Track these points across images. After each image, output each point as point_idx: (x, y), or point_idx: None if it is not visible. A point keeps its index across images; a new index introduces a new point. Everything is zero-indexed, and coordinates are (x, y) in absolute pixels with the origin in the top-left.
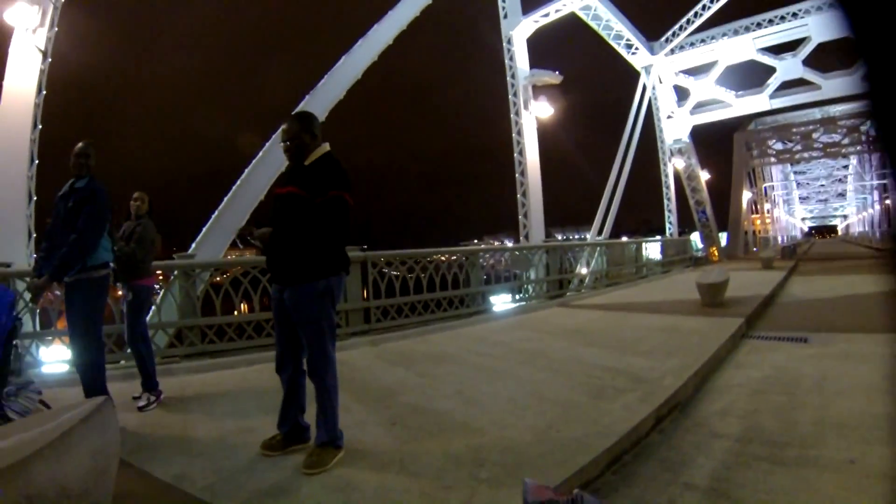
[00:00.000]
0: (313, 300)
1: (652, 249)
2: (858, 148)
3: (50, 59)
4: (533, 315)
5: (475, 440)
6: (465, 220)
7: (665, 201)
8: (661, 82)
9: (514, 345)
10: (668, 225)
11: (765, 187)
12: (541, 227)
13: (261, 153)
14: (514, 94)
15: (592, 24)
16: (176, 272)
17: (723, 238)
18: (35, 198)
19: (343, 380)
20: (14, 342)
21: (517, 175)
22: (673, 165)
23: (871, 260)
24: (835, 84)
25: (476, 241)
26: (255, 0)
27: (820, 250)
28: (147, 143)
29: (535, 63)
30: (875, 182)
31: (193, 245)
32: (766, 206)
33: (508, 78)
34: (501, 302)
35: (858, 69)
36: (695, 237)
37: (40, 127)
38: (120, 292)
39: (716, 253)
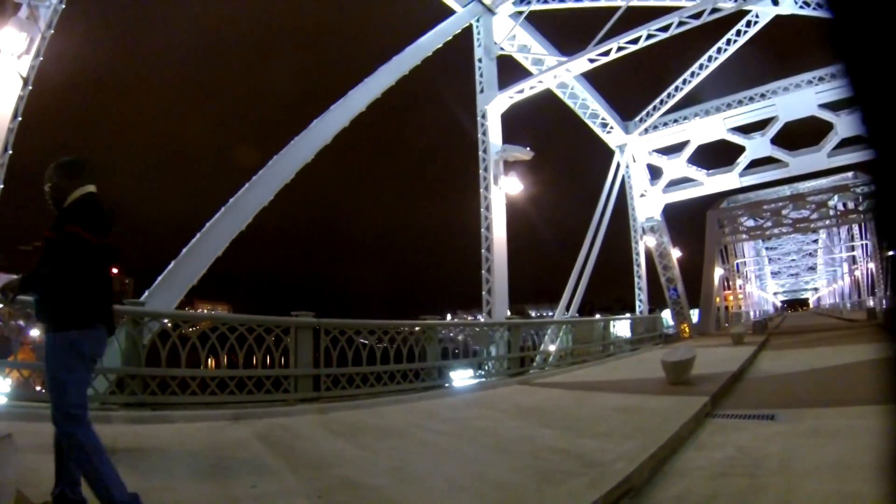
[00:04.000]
0: (54, 351)
1: (621, 327)
2: (827, 222)
3: (31, 87)
4: (491, 392)
5: None
6: (441, 293)
7: (636, 279)
8: (634, 161)
9: (466, 422)
10: (638, 302)
11: (737, 263)
12: (505, 304)
13: (231, 200)
14: (485, 169)
15: (569, 103)
16: (125, 318)
17: (694, 315)
18: None
19: (282, 447)
20: None
21: (483, 251)
22: (644, 243)
23: (843, 331)
24: (801, 161)
25: (449, 314)
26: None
27: (792, 323)
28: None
29: (510, 139)
30: (844, 255)
31: (147, 293)
32: (739, 281)
33: (480, 153)
34: (462, 378)
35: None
36: (666, 314)
37: (10, 152)
38: None
39: (687, 330)
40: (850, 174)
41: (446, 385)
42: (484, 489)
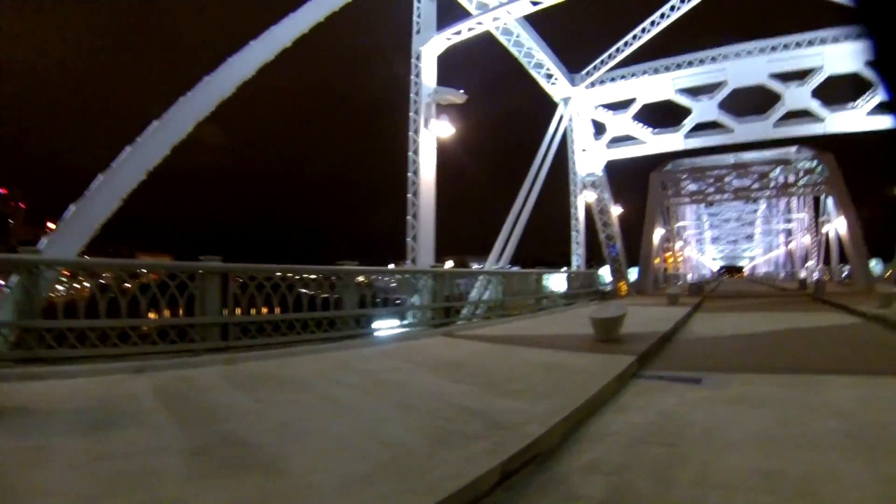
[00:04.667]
0: None
1: (557, 281)
2: (767, 193)
3: None
4: (412, 343)
5: (270, 484)
6: (386, 242)
7: (573, 233)
8: (578, 115)
9: (377, 375)
10: (574, 257)
11: (678, 226)
12: (430, 251)
13: (138, 139)
14: (416, 112)
15: (513, 51)
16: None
17: (634, 273)
18: None
19: (176, 400)
20: None
21: (409, 195)
22: (584, 198)
23: (775, 298)
24: (746, 128)
25: (392, 263)
26: None
27: (727, 288)
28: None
29: (453, 85)
30: (781, 227)
31: (44, 240)
32: (678, 244)
33: (412, 95)
34: (388, 327)
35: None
36: (605, 271)
37: None
38: None
39: (624, 287)
40: (793, 149)
41: (367, 335)
42: (371, 450)
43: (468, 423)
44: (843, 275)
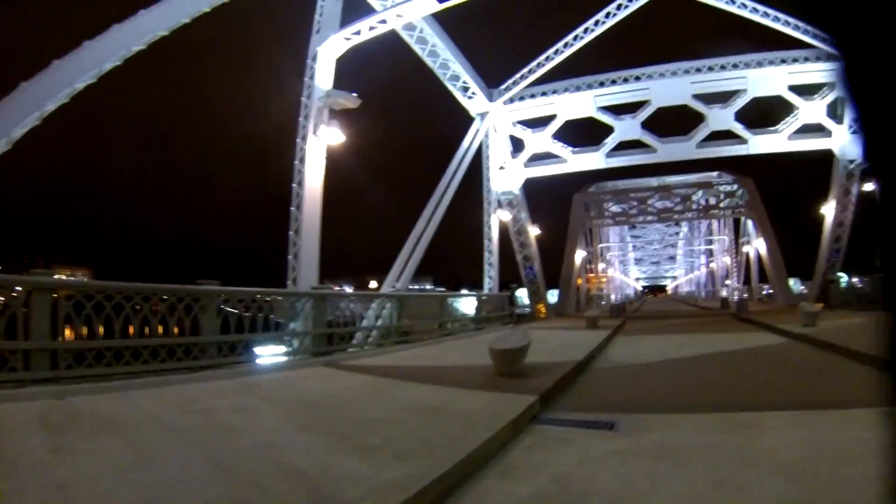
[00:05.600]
0: None
1: (468, 304)
2: (689, 215)
3: None
4: (285, 375)
5: None
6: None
7: (485, 254)
8: (496, 131)
9: (217, 416)
10: (487, 279)
11: (601, 247)
12: (313, 270)
13: None
14: (306, 117)
15: (428, 61)
16: None
17: (555, 296)
18: None
19: None
20: None
21: (292, 208)
22: (499, 218)
23: (697, 318)
24: (669, 148)
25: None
26: None
27: (650, 308)
28: None
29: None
30: (702, 247)
31: None
32: (601, 265)
33: (303, 99)
34: (271, 354)
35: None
36: (523, 293)
37: None
38: None
39: (543, 310)
40: (714, 173)
41: (240, 363)
42: None
43: (286, 495)
44: (763, 293)
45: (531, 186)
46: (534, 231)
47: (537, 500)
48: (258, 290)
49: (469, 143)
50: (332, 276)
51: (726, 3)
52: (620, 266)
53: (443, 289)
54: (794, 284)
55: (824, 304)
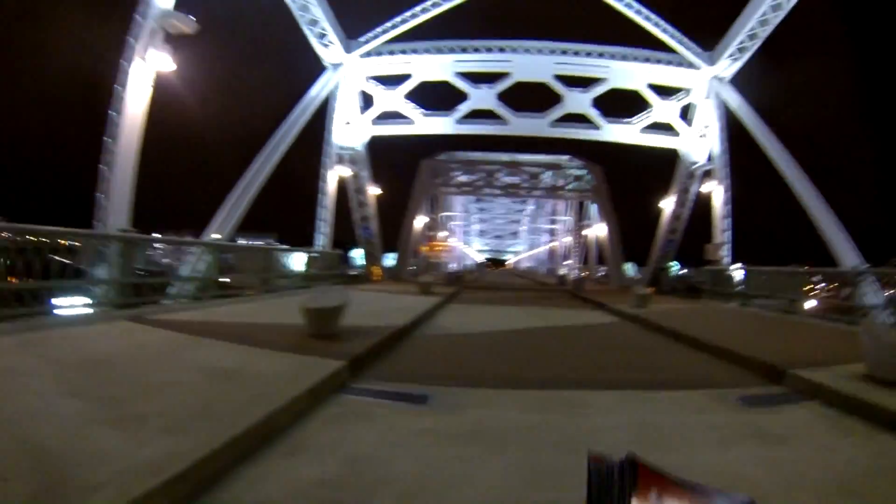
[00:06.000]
0: None
1: (299, 261)
2: (536, 193)
3: None
4: (75, 331)
5: None
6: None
7: (319, 209)
8: (348, 84)
9: None
10: (319, 236)
11: (445, 215)
12: (124, 211)
13: None
14: (135, 38)
15: (288, 1)
16: None
17: (393, 259)
18: None
19: None
20: None
21: (106, 139)
22: (338, 174)
23: (534, 292)
24: (522, 123)
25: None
26: None
27: (489, 280)
28: None
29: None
30: (545, 226)
31: None
32: (444, 233)
33: (137, 17)
34: (70, 305)
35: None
36: (358, 254)
37: None
38: None
39: (378, 272)
40: (566, 157)
41: (24, 316)
42: None
43: (4, 484)
44: (599, 274)
45: (384, 147)
46: (374, 191)
47: (321, 489)
48: (49, 229)
49: (317, 92)
50: (173, 228)
51: None
52: (463, 236)
53: (288, 245)
54: (630, 269)
55: (655, 289)
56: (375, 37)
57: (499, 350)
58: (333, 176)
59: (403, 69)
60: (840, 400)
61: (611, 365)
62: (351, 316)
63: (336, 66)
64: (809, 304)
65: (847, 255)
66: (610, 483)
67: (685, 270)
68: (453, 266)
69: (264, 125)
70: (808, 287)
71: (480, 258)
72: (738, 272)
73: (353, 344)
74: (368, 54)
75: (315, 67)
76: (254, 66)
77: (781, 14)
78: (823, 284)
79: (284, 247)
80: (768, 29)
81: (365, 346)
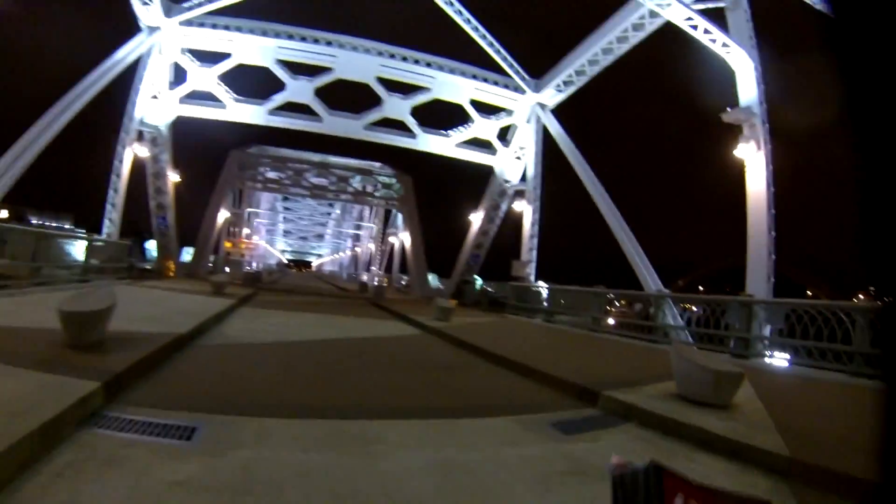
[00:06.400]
0: None
1: (79, 249)
2: (343, 197)
3: None
4: None
5: None
6: None
7: (110, 192)
8: (161, 53)
9: None
10: (106, 221)
11: (249, 212)
12: None
13: None
14: None
15: None
16: None
17: (189, 253)
18: None
19: None
20: None
21: None
22: (135, 153)
23: (336, 298)
24: (336, 122)
25: None
26: None
27: (290, 281)
28: None
29: None
30: (351, 231)
31: None
32: (248, 230)
33: None
34: None
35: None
36: (152, 246)
37: None
38: None
39: (171, 268)
40: (378, 164)
41: None
42: None
43: None
44: (402, 283)
45: (194, 132)
46: (174, 177)
47: None
48: None
49: (125, 54)
50: None
51: (446, 3)
52: (268, 235)
53: (84, 232)
54: (433, 280)
55: (458, 302)
56: (200, 4)
57: (289, 366)
58: (129, 155)
59: (224, 46)
60: (655, 421)
61: (412, 387)
62: (125, 319)
63: (153, 29)
64: (610, 320)
65: (648, 279)
66: (635, 489)
67: (485, 285)
68: (254, 265)
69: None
70: (608, 306)
71: (284, 258)
72: (543, 289)
73: (117, 357)
74: (190, 23)
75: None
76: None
77: (611, 58)
78: (619, 304)
79: (60, 232)
80: (596, 69)
81: (130, 361)
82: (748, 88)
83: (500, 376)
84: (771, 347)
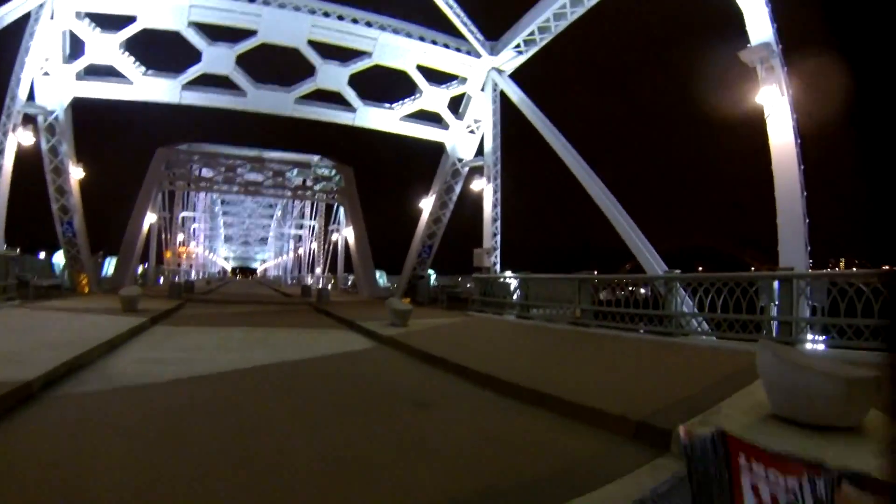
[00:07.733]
0: None
1: None
2: (279, 192)
3: None
4: None
5: None
6: None
7: None
8: (52, 18)
9: None
10: None
11: (183, 216)
12: None
13: None
14: None
15: None
16: None
17: (112, 265)
18: None
19: None
20: None
21: None
22: (19, 141)
23: (276, 305)
24: (263, 96)
25: None
26: None
27: (228, 290)
28: None
29: None
30: (293, 232)
31: None
32: (183, 237)
33: None
34: None
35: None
36: (59, 257)
37: None
38: None
39: (86, 282)
40: (316, 157)
41: None
42: None
43: None
44: (348, 283)
45: (118, 127)
46: (78, 173)
47: None
48: None
49: (5, 13)
50: None
51: None
52: (207, 241)
53: None
54: (381, 277)
55: (412, 301)
56: None
57: (185, 422)
58: (13, 144)
59: (127, 8)
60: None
61: (369, 456)
62: None
63: None
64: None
65: (651, 260)
66: (704, 453)
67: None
68: (194, 275)
69: None
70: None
71: (228, 266)
72: (513, 279)
73: None
74: None
75: None
76: None
77: (580, 10)
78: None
79: None
80: (563, 24)
81: None
82: (760, 27)
83: (498, 410)
84: (813, 330)
